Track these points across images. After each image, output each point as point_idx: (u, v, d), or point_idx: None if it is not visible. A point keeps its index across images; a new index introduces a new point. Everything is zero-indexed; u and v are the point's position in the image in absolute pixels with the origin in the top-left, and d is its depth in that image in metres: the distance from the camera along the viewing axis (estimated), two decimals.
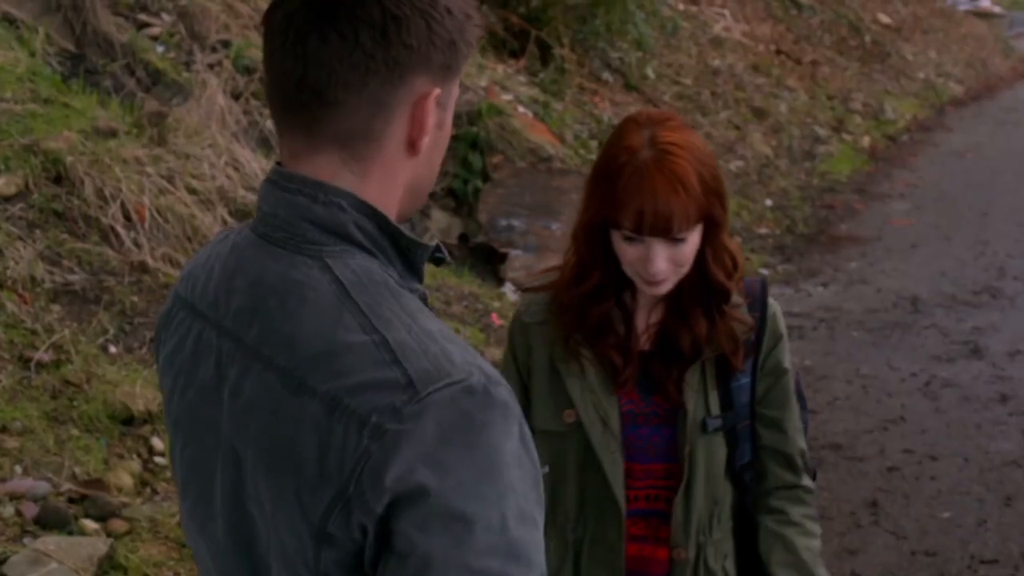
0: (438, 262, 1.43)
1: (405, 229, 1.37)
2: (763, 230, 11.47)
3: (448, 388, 1.22)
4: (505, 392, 1.25)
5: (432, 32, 1.31)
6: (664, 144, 2.17)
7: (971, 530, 5.24)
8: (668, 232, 2.16)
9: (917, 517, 5.35)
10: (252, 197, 6.75)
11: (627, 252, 2.22)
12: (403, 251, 1.37)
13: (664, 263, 2.19)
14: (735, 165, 12.92)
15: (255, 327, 1.33)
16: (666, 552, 2.34)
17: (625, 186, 2.16)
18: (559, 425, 2.31)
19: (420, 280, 1.41)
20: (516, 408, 1.27)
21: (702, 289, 2.27)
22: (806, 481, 2.43)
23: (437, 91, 1.35)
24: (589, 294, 2.30)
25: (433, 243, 1.40)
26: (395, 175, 1.37)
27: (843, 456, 6.02)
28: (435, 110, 1.36)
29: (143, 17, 8.37)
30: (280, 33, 1.32)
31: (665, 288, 2.24)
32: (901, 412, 6.67)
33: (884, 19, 24.95)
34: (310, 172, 1.34)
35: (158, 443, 4.88)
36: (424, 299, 1.39)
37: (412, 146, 1.36)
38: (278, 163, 1.40)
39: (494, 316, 7.43)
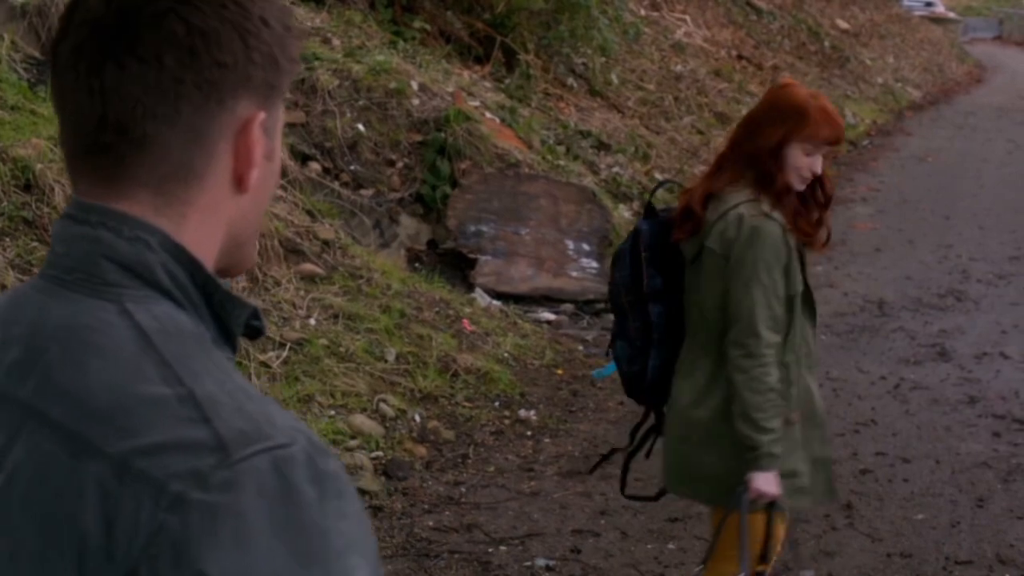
0: (254, 333, 1.21)
1: (221, 282, 1.17)
2: None
3: (268, 453, 1.01)
4: (336, 464, 1.06)
5: (248, 47, 1.14)
6: (820, 96, 3.50)
7: (945, 531, 5.28)
8: (842, 142, 3.60)
9: (891, 519, 5.38)
10: None
11: (802, 160, 3.41)
12: (216, 309, 1.16)
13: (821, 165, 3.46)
14: (699, 170, 12.97)
15: (32, 381, 1.09)
16: None
17: (818, 117, 3.38)
18: (800, 287, 3.47)
19: (234, 350, 1.19)
20: (348, 481, 1.07)
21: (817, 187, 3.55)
22: None
23: (262, 115, 1.16)
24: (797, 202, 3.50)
25: (250, 307, 1.19)
26: (218, 216, 1.17)
27: None
28: (262, 137, 1.17)
29: None
30: (70, 69, 1.12)
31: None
32: (872, 415, 6.72)
33: (842, 24, 25.15)
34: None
35: None
36: None
37: (240, 182, 1.17)
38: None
39: (465, 322, 7.43)
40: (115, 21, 1.11)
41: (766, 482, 3.34)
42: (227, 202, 1.17)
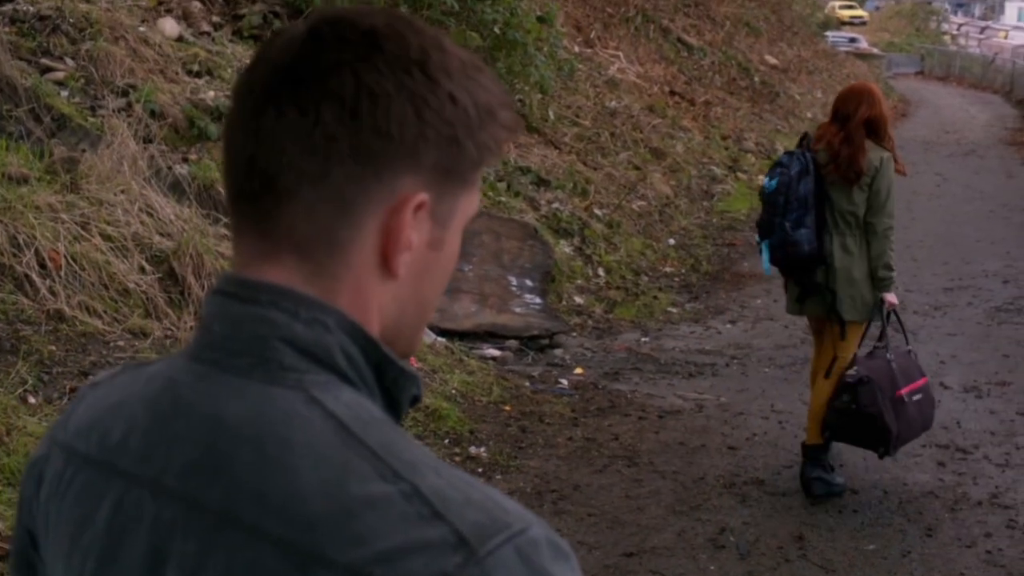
0: (414, 401, 1.14)
1: (396, 358, 1.10)
2: (668, 269, 11.61)
3: (510, 543, 0.96)
4: (565, 543, 1.02)
5: (423, 121, 1.04)
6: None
7: (896, 561, 5.33)
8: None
9: (844, 550, 5.42)
10: (168, 243, 6.65)
11: None
12: (388, 385, 1.09)
13: None
14: (637, 205, 13.07)
15: (221, 486, 1.01)
16: None
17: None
18: None
19: (399, 420, 1.12)
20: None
21: None
22: None
23: (422, 197, 1.06)
24: None
25: (418, 378, 1.13)
26: (367, 300, 1.08)
27: (766, 491, 6.10)
28: (425, 223, 1.07)
29: (46, 62, 8.24)
30: (238, 106, 1.08)
31: None
32: None
33: (771, 60, 25.50)
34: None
35: None
36: None
37: (385, 264, 1.07)
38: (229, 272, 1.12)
39: (412, 359, 7.39)
40: (289, 66, 1.05)
41: (893, 297, 5.96)
42: (375, 286, 1.08)
